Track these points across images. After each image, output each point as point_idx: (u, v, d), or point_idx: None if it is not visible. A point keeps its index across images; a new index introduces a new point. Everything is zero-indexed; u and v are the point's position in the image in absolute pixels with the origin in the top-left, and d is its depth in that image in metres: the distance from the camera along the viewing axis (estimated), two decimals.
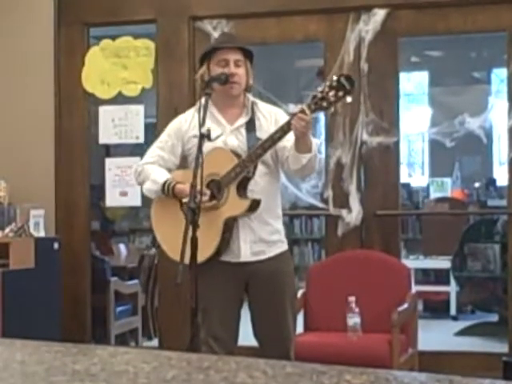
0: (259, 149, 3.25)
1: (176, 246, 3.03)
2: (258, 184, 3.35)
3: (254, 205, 3.31)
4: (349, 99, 3.17)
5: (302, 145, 3.21)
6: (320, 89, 3.16)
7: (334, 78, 3.15)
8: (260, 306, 3.43)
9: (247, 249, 3.36)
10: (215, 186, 3.31)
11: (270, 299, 3.40)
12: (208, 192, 3.27)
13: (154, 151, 3.52)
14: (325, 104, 3.15)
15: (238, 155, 3.31)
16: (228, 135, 3.40)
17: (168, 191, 3.36)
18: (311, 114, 3.13)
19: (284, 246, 3.48)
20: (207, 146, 3.24)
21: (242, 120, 3.43)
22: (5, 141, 5.64)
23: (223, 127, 3.41)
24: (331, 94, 3.12)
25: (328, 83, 3.15)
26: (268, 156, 3.36)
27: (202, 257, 3.19)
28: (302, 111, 3.13)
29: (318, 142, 3.39)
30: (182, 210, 3.16)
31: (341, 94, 3.13)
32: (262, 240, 3.38)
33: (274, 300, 3.40)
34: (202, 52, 3.55)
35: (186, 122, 3.48)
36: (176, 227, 3.14)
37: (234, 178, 3.28)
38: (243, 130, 3.41)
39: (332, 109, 3.21)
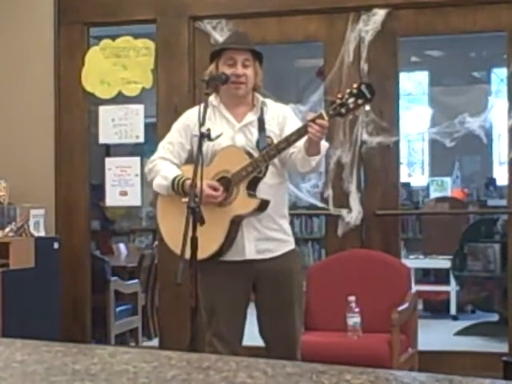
0: (273, 150, 3.24)
1: (179, 241, 3.00)
2: (265, 183, 3.34)
3: (263, 204, 3.29)
4: (367, 107, 3.17)
5: (313, 148, 3.20)
6: (339, 95, 3.17)
7: (355, 85, 3.17)
8: (267, 305, 3.41)
9: (252, 247, 3.35)
10: (225, 183, 3.30)
11: (277, 298, 3.39)
12: (221, 188, 3.26)
13: (164, 147, 3.52)
14: (343, 110, 3.16)
15: (250, 154, 3.30)
16: (236, 133, 3.40)
17: (178, 187, 3.35)
18: (329, 120, 3.14)
19: (291, 245, 3.47)
20: (220, 144, 3.28)
21: (250, 117, 3.43)
22: (5, 141, 5.64)
23: (232, 125, 3.41)
24: (351, 100, 3.14)
25: (348, 90, 3.16)
26: None
27: (204, 254, 3.19)
28: (320, 116, 3.13)
29: (326, 145, 3.37)
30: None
31: (360, 101, 3.15)
32: (267, 238, 3.37)
33: (281, 299, 3.39)
34: (212, 50, 3.57)
35: (192, 119, 3.46)
36: (181, 223, 3.07)
37: (244, 176, 3.26)
38: (252, 128, 3.41)
39: (350, 116, 3.17)
